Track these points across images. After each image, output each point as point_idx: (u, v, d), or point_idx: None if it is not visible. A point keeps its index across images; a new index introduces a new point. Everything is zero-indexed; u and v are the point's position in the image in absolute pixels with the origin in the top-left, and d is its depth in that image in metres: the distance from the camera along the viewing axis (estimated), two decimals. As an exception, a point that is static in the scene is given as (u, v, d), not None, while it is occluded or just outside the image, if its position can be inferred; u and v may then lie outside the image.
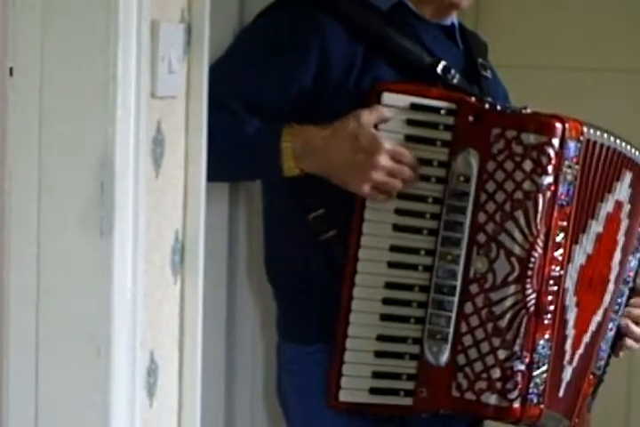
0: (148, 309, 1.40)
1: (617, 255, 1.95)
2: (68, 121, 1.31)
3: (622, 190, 1.92)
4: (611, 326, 2.00)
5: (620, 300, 2.01)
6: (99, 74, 1.30)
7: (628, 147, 1.91)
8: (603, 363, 2.01)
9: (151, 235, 1.41)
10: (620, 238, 1.95)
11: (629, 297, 2.03)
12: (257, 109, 1.82)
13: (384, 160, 1.75)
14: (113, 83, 1.30)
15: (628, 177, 1.93)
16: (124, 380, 1.33)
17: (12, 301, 1.33)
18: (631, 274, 2.02)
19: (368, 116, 1.76)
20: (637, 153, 1.94)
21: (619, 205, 1.92)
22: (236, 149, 1.81)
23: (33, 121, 1.31)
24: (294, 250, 1.91)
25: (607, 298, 1.96)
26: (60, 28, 1.30)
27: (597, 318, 1.95)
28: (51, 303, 1.32)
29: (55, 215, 1.32)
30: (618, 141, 1.89)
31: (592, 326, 1.93)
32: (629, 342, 2.03)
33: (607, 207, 1.89)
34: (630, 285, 2.03)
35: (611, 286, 1.96)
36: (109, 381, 1.31)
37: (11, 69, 1.31)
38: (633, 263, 2.02)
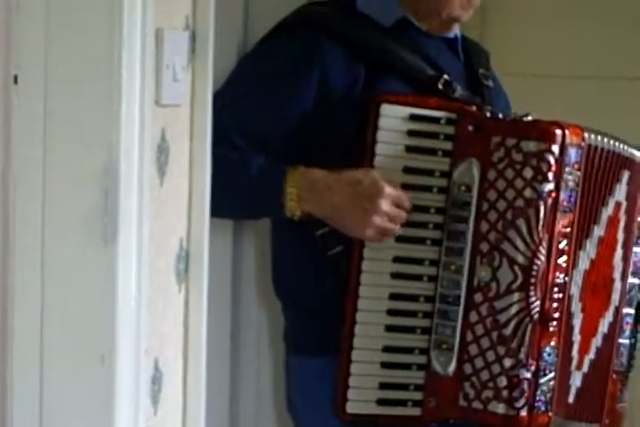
0: (152, 316, 1.39)
1: (618, 253, 1.95)
2: (73, 129, 1.31)
3: (621, 191, 1.93)
4: (627, 319, 1.99)
5: (632, 293, 1.99)
6: (103, 82, 1.30)
7: (625, 147, 1.92)
8: (625, 357, 1.99)
9: (155, 243, 1.41)
10: (620, 236, 1.95)
11: None
12: (260, 140, 1.84)
13: (385, 205, 1.77)
14: (117, 91, 1.31)
15: (625, 176, 1.94)
16: (128, 387, 1.33)
17: (16, 308, 1.33)
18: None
19: (376, 172, 1.77)
20: (633, 151, 1.94)
21: (618, 206, 1.93)
22: (240, 189, 1.82)
23: (37, 128, 1.32)
24: (302, 266, 1.92)
25: (615, 297, 1.96)
26: (64, 35, 1.30)
27: (607, 319, 1.94)
28: (55, 311, 1.32)
29: (59, 222, 1.32)
30: (617, 144, 1.89)
31: (602, 329, 1.93)
32: None
33: (608, 211, 1.90)
34: None
35: (617, 285, 1.96)
36: (114, 388, 1.31)
37: (15, 77, 1.31)
38: None
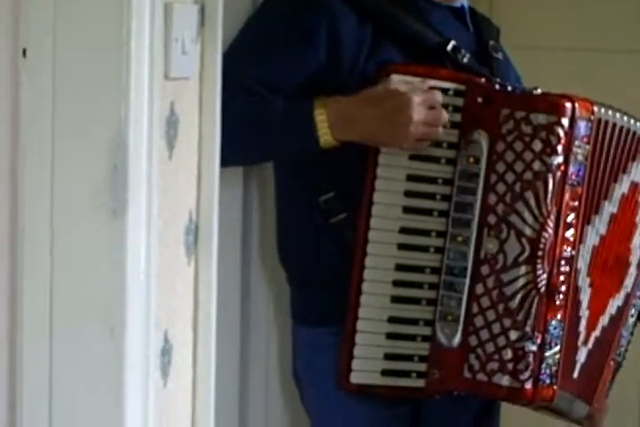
0: (161, 289, 1.39)
1: (637, 238, 1.95)
2: (82, 103, 1.30)
3: (638, 170, 1.92)
4: (632, 311, 1.99)
5: None
6: (112, 55, 1.29)
7: (637, 123, 1.91)
8: (623, 349, 2.00)
9: (165, 216, 1.41)
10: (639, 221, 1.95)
11: None
12: (277, 90, 1.81)
13: (418, 114, 1.75)
14: (126, 64, 1.29)
15: None
16: (137, 360, 1.33)
17: (25, 282, 1.33)
18: None
19: (400, 82, 1.76)
20: None
21: (635, 186, 1.91)
22: (268, 126, 1.80)
23: (46, 103, 1.31)
24: (306, 233, 1.91)
25: (628, 282, 1.95)
26: (72, 9, 1.29)
27: (617, 301, 1.94)
28: (64, 285, 1.32)
29: (68, 196, 1.31)
30: (632, 121, 1.88)
31: (610, 309, 1.93)
32: None
33: (622, 188, 1.89)
34: None
35: (632, 270, 1.95)
36: (123, 361, 1.31)
37: (24, 51, 1.30)
38: None
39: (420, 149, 1.79)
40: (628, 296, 1.96)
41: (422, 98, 1.76)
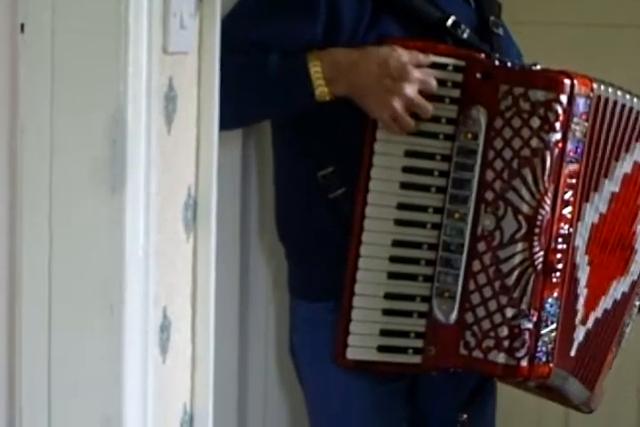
0: (160, 266, 1.39)
1: None
2: (80, 78, 1.30)
3: None
4: (637, 302, 1.99)
5: None
6: (110, 30, 1.28)
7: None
8: (624, 337, 2.00)
9: (163, 192, 1.40)
10: None
11: None
12: (271, 50, 1.80)
13: (410, 89, 1.74)
14: (124, 38, 1.28)
15: None
16: (136, 337, 1.33)
17: (24, 259, 1.32)
18: None
19: (403, 50, 1.75)
20: None
21: (638, 166, 1.90)
22: (263, 80, 1.79)
23: (44, 78, 1.30)
24: (304, 208, 1.91)
25: (635, 269, 1.94)
26: (71, -17, 1.28)
27: (622, 286, 1.94)
28: (63, 261, 1.31)
29: (67, 172, 1.30)
30: (635, 100, 1.87)
31: (614, 293, 1.93)
32: None
33: (624, 167, 1.88)
34: None
35: (637, 257, 1.94)
36: (122, 338, 1.31)
37: (22, 26, 1.29)
38: None
39: (392, 130, 1.77)
40: (633, 283, 1.95)
41: (421, 78, 1.75)
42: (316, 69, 1.75)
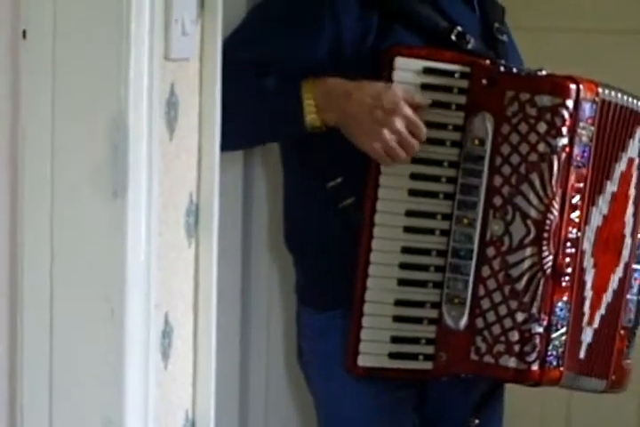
0: (162, 271, 1.39)
1: (629, 209, 1.94)
2: (82, 83, 1.31)
3: (634, 147, 1.92)
4: (636, 275, 1.98)
5: None
6: (112, 35, 1.29)
7: (638, 102, 1.90)
8: (633, 314, 1.98)
9: (165, 197, 1.41)
10: (632, 192, 1.94)
11: None
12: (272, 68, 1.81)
13: (399, 124, 1.76)
14: (126, 44, 1.29)
15: (638, 132, 1.92)
16: (138, 342, 1.33)
17: (26, 263, 1.33)
18: None
19: (399, 88, 1.77)
20: None
21: (631, 162, 1.92)
22: (257, 104, 1.80)
23: (46, 83, 1.31)
24: (314, 218, 1.91)
25: (626, 253, 1.95)
26: (72, -11, 1.29)
27: (617, 275, 1.94)
28: (65, 265, 1.32)
29: (68, 176, 1.31)
30: (631, 99, 1.88)
31: (612, 285, 1.93)
32: None
33: (622, 166, 1.89)
34: None
35: (628, 241, 1.95)
36: (124, 343, 1.31)
37: (24, 32, 1.30)
38: None
39: (383, 161, 1.78)
40: (626, 266, 1.95)
41: (413, 117, 1.76)
42: (308, 96, 1.77)
